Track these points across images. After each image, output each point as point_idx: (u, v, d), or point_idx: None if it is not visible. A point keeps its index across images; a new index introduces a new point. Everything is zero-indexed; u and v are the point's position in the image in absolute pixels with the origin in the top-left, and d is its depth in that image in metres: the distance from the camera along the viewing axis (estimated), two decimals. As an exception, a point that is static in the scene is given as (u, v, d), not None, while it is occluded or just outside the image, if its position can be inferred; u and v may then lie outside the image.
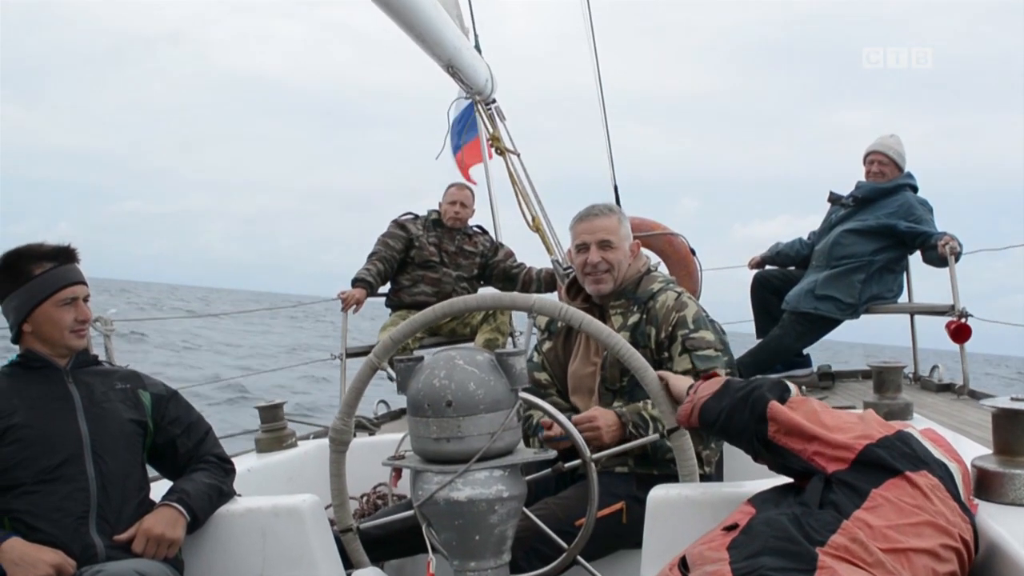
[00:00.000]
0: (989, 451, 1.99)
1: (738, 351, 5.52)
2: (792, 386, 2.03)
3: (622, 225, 3.07)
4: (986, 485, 1.87)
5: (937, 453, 1.76)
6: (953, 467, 1.77)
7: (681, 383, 2.38)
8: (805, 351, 6.04)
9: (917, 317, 6.16)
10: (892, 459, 1.69)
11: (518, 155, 5.02)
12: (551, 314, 2.57)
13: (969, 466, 1.90)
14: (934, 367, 5.87)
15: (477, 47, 4.71)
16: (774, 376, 2.93)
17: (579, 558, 2.53)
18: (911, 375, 6.08)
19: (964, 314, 5.36)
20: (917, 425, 2.62)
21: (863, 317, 5.77)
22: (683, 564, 1.69)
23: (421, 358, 2.27)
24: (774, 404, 1.93)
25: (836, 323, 5.75)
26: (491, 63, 4.84)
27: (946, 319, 5.45)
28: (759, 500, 1.90)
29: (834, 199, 6.07)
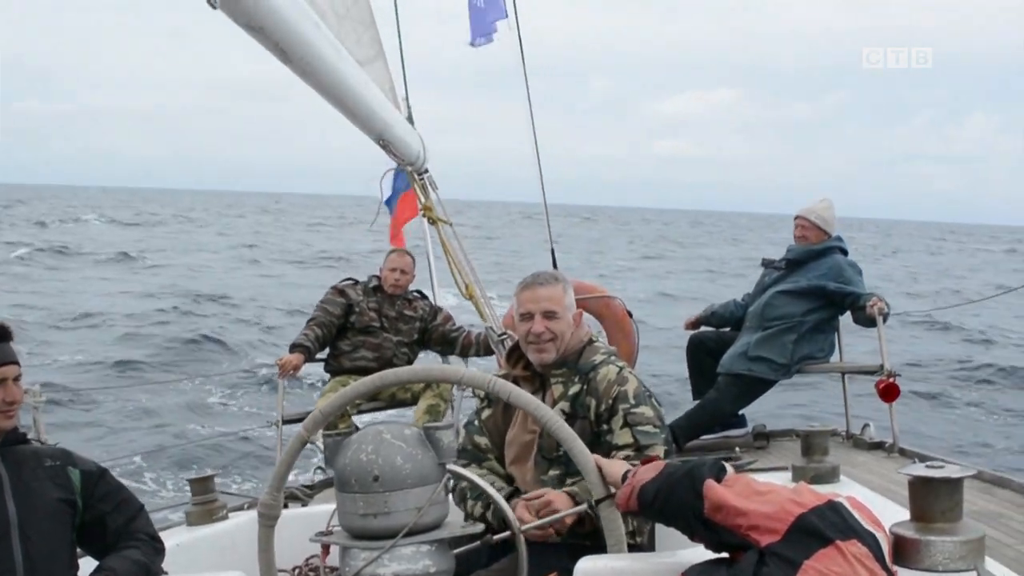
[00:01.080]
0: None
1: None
2: (729, 467, 2.06)
3: (567, 294, 3.10)
4: (903, 551, 1.91)
5: (864, 523, 1.79)
6: (879, 536, 1.80)
7: (615, 468, 2.39)
8: (740, 412, 6.12)
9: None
10: (824, 528, 1.70)
11: (450, 224, 5.06)
12: (480, 386, 2.59)
13: (888, 532, 1.94)
14: (865, 425, 5.98)
15: (410, 118, 4.74)
16: (708, 442, 2.96)
17: None
18: (844, 433, 6.18)
19: (892, 374, 5.49)
20: (844, 487, 2.67)
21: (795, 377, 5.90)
22: None
23: (350, 432, 2.27)
24: (710, 482, 1.94)
25: (771, 384, 5.84)
26: (424, 132, 4.88)
27: (876, 378, 5.57)
28: (693, 574, 1.91)
29: (767, 263, 6.23)
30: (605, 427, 2.93)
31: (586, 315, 6.32)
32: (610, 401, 2.94)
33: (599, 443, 2.90)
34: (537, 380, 3.07)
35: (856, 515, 1.79)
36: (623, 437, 2.88)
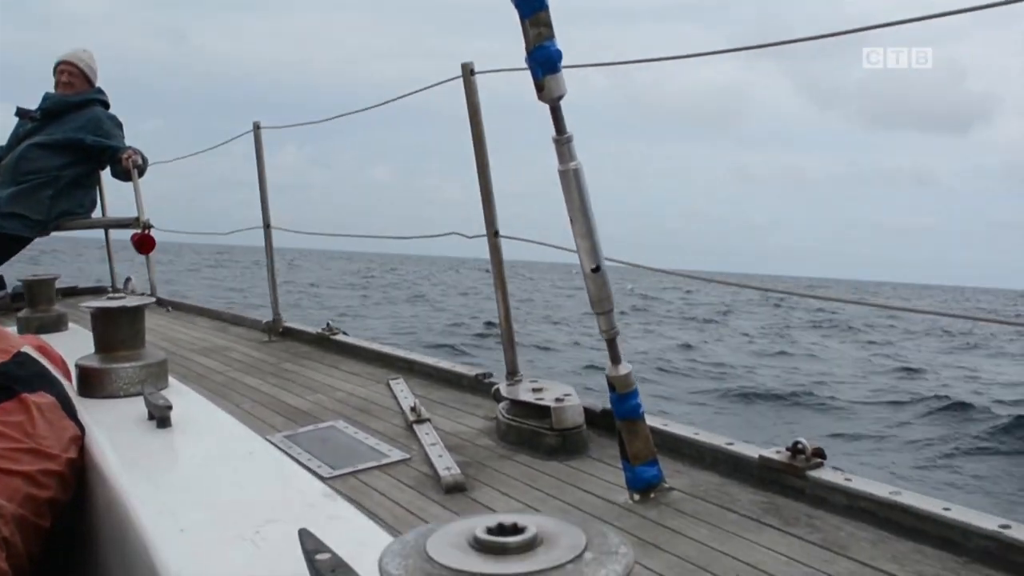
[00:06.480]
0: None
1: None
2: None
3: None
4: (87, 382, 1.98)
5: (54, 370, 1.78)
6: (67, 384, 1.80)
7: None
8: (-1, 272, 5.77)
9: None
10: (9, 381, 1.64)
11: None
12: None
13: (73, 366, 2.00)
14: (128, 279, 6.08)
15: None
16: None
17: None
18: (111, 288, 6.20)
19: (148, 226, 5.62)
20: (73, 335, 2.68)
21: (54, 234, 5.72)
22: None
23: None
24: None
25: (27, 241, 5.58)
26: None
27: (132, 231, 5.66)
28: None
29: (21, 113, 5.84)
30: None
31: None
32: None
33: None
34: None
35: (45, 363, 1.77)
36: None
